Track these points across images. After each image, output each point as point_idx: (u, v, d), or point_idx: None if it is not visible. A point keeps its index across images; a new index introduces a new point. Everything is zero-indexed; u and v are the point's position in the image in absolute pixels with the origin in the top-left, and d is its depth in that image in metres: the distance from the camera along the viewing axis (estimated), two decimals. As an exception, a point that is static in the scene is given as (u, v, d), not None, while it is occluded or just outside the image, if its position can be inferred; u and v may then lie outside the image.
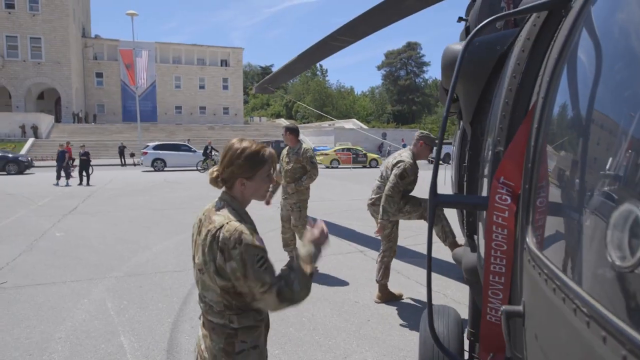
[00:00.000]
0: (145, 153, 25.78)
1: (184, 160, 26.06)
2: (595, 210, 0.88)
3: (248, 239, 1.42)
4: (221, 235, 1.43)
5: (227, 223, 1.45)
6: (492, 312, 1.51)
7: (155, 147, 26.16)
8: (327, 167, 28.24)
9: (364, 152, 30.64)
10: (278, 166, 5.12)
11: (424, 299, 4.62)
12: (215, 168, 1.60)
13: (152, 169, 25.31)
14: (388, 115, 76.05)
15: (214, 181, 1.59)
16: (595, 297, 0.79)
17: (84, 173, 17.17)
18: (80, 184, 16.90)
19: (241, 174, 1.53)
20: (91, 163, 17.64)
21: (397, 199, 4.05)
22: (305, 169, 5.29)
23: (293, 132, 5.32)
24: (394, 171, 4.08)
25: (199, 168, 25.18)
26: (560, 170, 1.14)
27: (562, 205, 1.09)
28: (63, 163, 17.25)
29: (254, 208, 1.79)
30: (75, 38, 51.43)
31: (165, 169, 25.66)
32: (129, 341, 3.65)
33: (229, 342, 1.50)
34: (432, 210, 1.46)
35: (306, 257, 1.51)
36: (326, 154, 29.35)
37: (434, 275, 5.78)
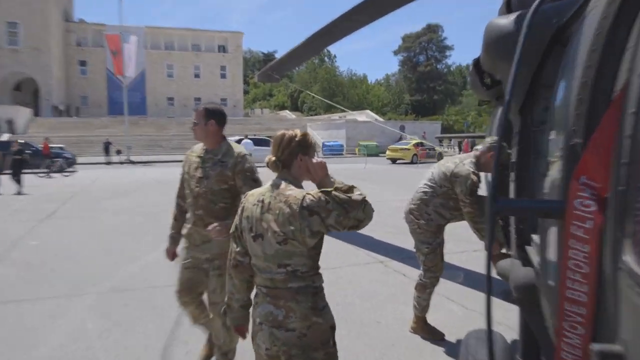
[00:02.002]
0: None
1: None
2: None
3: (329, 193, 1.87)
4: (308, 202, 1.84)
5: (307, 193, 1.88)
6: (570, 348, 1.33)
7: (237, 142, 27.33)
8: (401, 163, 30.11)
9: (434, 147, 32.99)
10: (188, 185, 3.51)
11: (457, 318, 4.44)
12: (270, 155, 2.03)
13: None
14: (406, 105, 75.92)
15: (274, 165, 2.02)
16: None
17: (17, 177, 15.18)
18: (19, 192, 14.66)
19: (300, 151, 2.01)
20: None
21: (479, 213, 4.08)
22: (233, 193, 3.15)
23: (217, 117, 3.18)
24: (460, 189, 4.00)
25: None
26: None
27: None
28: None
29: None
30: (56, 22, 52.00)
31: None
32: (113, 370, 3.52)
33: (315, 300, 1.92)
34: (492, 218, 1.29)
35: (327, 183, 1.97)
36: (407, 149, 31.26)
37: (465, 289, 5.61)
